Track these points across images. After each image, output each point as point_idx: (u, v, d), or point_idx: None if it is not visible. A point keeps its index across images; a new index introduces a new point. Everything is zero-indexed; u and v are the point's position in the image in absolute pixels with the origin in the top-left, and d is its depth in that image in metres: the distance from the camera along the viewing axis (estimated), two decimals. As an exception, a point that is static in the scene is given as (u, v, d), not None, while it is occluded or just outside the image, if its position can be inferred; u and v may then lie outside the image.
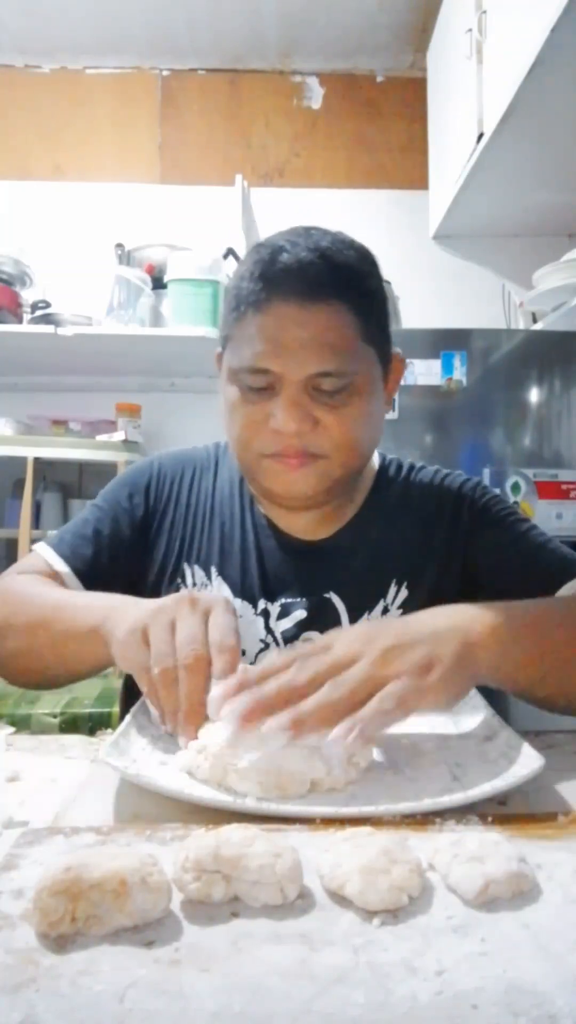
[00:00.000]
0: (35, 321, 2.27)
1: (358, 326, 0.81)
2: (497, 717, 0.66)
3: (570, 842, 0.47)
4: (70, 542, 0.92)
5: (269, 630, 0.87)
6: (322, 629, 0.86)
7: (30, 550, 0.96)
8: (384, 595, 0.89)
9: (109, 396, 2.45)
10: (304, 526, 0.91)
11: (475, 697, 0.71)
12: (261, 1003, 0.32)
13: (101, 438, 2.27)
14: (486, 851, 0.42)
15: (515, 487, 2.08)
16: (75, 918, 0.37)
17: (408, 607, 0.89)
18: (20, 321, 2.29)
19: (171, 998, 0.32)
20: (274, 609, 0.88)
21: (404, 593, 0.89)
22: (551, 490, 2.08)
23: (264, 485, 0.85)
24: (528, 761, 0.55)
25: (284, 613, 0.88)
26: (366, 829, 0.45)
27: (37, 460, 2.17)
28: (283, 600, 0.88)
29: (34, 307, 2.32)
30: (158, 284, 2.29)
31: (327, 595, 0.88)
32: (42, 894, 0.37)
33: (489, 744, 0.61)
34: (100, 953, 0.36)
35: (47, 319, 2.24)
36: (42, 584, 0.87)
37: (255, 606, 0.88)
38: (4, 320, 2.24)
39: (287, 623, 0.87)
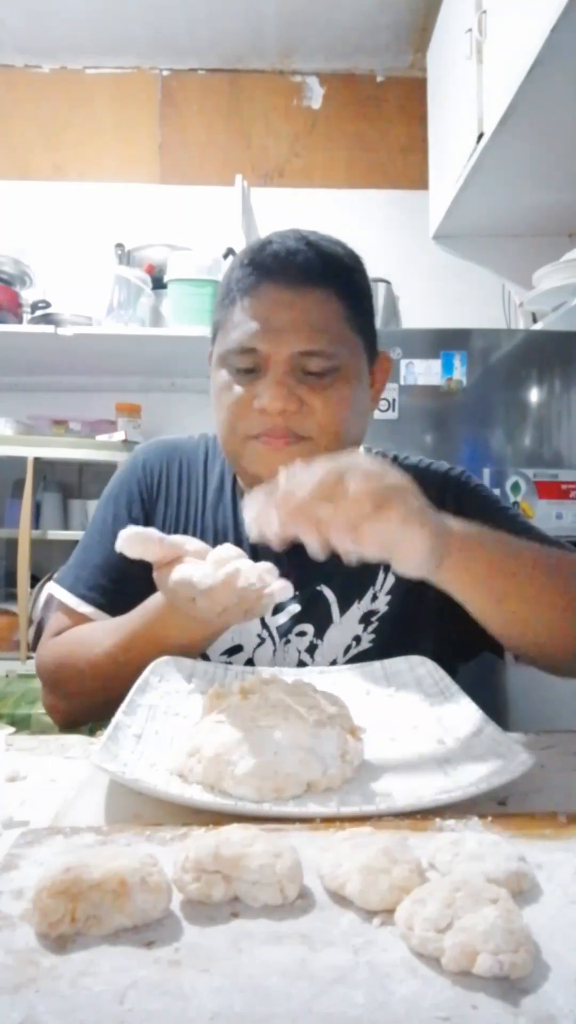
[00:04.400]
0: (35, 321, 2.27)
1: (344, 312, 0.83)
2: (480, 712, 0.65)
3: (570, 842, 0.47)
4: (85, 579, 0.91)
5: (264, 625, 0.89)
6: (314, 621, 0.89)
7: (52, 598, 0.96)
8: (373, 582, 0.90)
9: (109, 396, 2.45)
10: None
11: (457, 692, 0.71)
12: (261, 1003, 0.32)
13: (101, 438, 2.28)
14: (486, 851, 0.42)
15: (515, 487, 2.08)
16: (75, 918, 0.36)
17: (397, 593, 0.91)
18: (20, 321, 2.29)
19: (171, 998, 0.32)
20: None
21: (392, 578, 0.91)
22: (551, 490, 2.08)
23: (249, 469, 0.85)
24: (519, 756, 0.55)
25: (278, 608, 0.89)
26: (366, 829, 0.45)
27: (37, 460, 2.17)
28: None
29: (34, 307, 2.32)
30: (158, 284, 2.30)
31: (319, 588, 0.89)
32: (42, 894, 0.37)
33: (475, 740, 0.61)
34: (100, 954, 0.36)
35: (47, 319, 2.24)
36: (88, 628, 0.89)
37: None
38: (4, 320, 2.24)
39: (282, 617, 0.89)
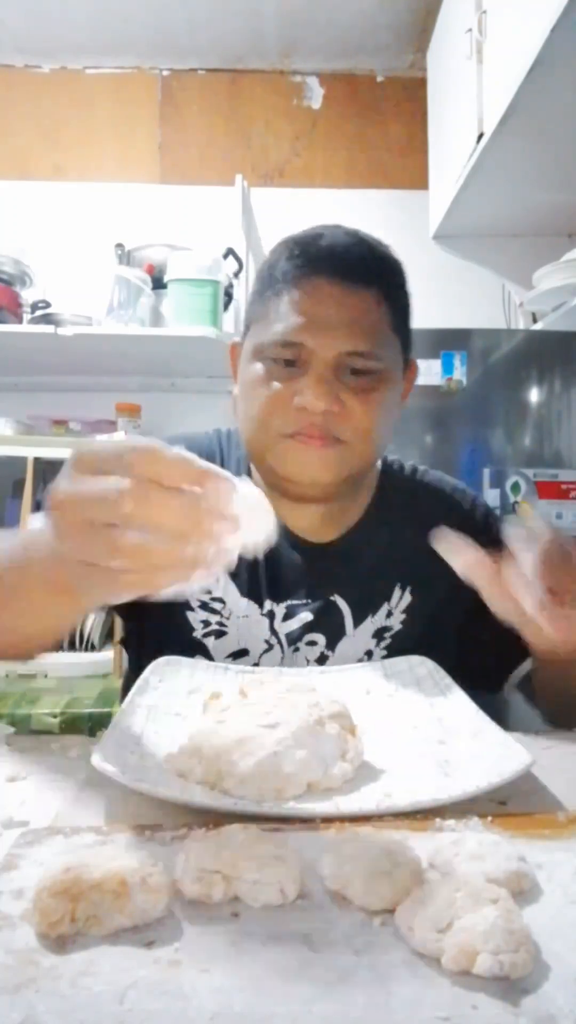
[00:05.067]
0: (35, 321, 2.27)
1: (390, 315, 0.81)
2: (480, 712, 0.66)
3: (570, 842, 0.47)
4: None
5: (273, 631, 0.86)
6: (326, 631, 0.86)
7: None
8: (388, 598, 0.89)
9: (109, 396, 2.45)
10: (310, 525, 0.89)
11: (458, 693, 0.71)
12: (262, 1004, 0.32)
13: (101, 438, 2.27)
14: (486, 851, 0.42)
15: (515, 487, 2.08)
16: (75, 919, 0.36)
17: (412, 612, 0.89)
18: (20, 321, 2.28)
19: (171, 998, 0.32)
20: (279, 610, 0.87)
21: (408, 598, 0.89)
22: (551, 490, 2.08)
23: (279, 469, 0.82)
24: (519, 756, 0.55)
25: (289, 615, 0.87)
26: (366, 829, 0.45)
27: (37, 460, 2.17)
28: (289, 601, 0.87)
29: (34, 307, 2.32)
30: (158, 284, 2.29)
31: (332, 597, 0.87)
32: (42, 894, 0.37)
33: (475, 740, 0.61)
34: (100, 953, 0.36)
35: (47, 319, 2.24)
36: None
37: (261, 606, 0.87)
38: (4, 320, 2.24)
39: (292, 624, 0.86)
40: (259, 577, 0.87)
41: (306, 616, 0.87)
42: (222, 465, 0.91)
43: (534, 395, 2.13)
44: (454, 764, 0.57)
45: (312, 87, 2.81)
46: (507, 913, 0.35)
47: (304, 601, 0.87)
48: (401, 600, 0.89)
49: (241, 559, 0.85)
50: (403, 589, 0.89)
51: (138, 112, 2.78)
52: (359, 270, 0.78)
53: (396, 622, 0.88)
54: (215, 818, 0.47)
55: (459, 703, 0.69)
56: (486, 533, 0.93)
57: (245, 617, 0.86)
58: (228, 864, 0.40)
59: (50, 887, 0.37)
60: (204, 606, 0.86)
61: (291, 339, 0.77)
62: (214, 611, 0.86)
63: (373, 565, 0.90)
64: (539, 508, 2.08)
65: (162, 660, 0.77)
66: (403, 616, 0.89)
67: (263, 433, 0.81)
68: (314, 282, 0.78)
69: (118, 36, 2.61)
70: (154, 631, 0.89)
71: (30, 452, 2.15)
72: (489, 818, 0.49)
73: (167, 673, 0.75)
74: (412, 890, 0.39)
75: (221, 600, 0.86)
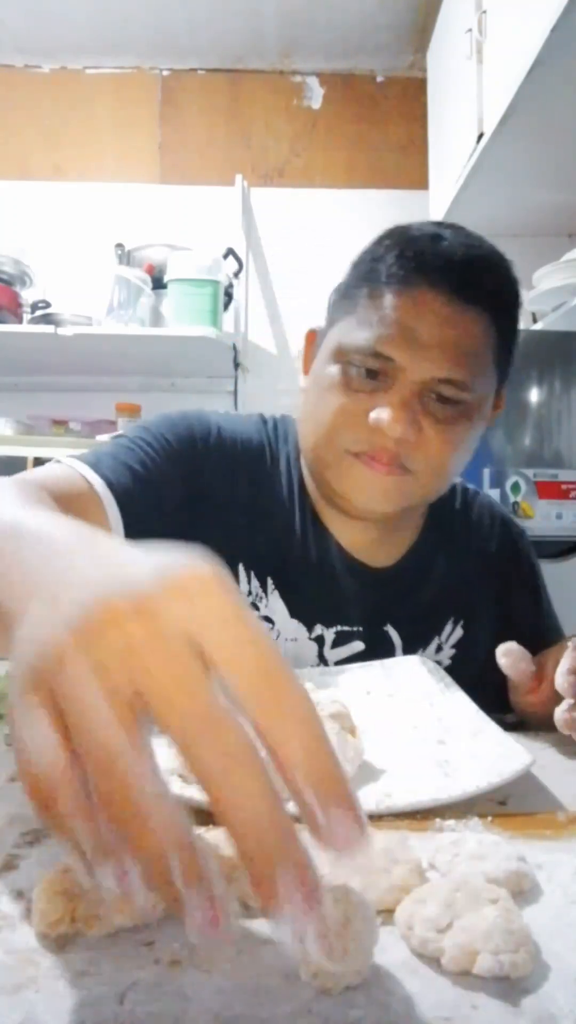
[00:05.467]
0: (35, 321, 2.27)
1: (495, 345, 0.73)
2: (481, 712, 0.65)
3: (570, 842, 0.47)
4: (109, 464, 0.71)
5: (322, 658, 0.81)
6: None
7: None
8: (439, 632, 0.86)
9: (109, 396, 2.45)
10: (363, 544, 0.84)
11: (457, 692, 0.71)
12: (262, 1004, 0.32)
13: (101, 438, 2.27)
14: (486, 851, 0.42)
15: (515, 487, 2.08)
16: (75, 918, 0.36)
17: (462, 648, 0.86)
18: (20, 321, 2.29)
19: (172, 999, 0.32)
20: (329, 636, 0.81)
21: (459, 632, 0.87)
22: (551, 490, 2.08)
23: (336, 486, 0.76)
24: (519, 756, 0.55)
25: (340, 642, 0.81)
26: (366, 829, 0.45)
27: (37, 460, 2.17)
28: (340, 628, 0.82)
29: (34, 307, 2.32)
30: (158, 284, 2.29)
31: (385, 627, 0.83)
32: (42, 894, 0.37)
33: (475, 740, 0.61)
34: (100, 953, 0.35)
35: (47, 319, 2.24)
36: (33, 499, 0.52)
37: (310, 630, 0.81)
38: (4, 320, 2.24)
39: (342, 653, 0.82)
40: (310, 597, 0.81)
41: (358, 645, 0.82)
42: (273, 470, 0.83)
43: (534, 395, 2.13)
44: (454, 764, 0.57)
45: (312, 87, 2.81)
46: (507, 913, 0.35)
47: (356, 629, 0.82)
48: (452, 634, 0.86)
49: (292, 575, 0.81)
50: (455, 623, 0.86)
51: (138, 112, 2.78)
52: (475, 287, 0.70)
53: (445, 657, 0.85)
54: (215, 818, 0.47)
55: (459, 703, 0.69)
56: (529, 566, 0.94)
57: (293, 640, 0.80)
58: (228, 864, 0.40)
59: (50, 887, 0.37)
60: None
61: (381, 350, 0.70)
62: None
63: (428, 597, 0.86)
64: (539, 508, 2.08)
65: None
66: (452, 651, 0.86)
67: (327, 444, 0.74)
68: (421, 291, 0.69)
69: (118, 36, 2.61)
70: None
71: (30, 452, 2.15)
72: (489, 818, 0.49)
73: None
74: (412, 890, 0.39)
75: (269, 620, 0.80)
